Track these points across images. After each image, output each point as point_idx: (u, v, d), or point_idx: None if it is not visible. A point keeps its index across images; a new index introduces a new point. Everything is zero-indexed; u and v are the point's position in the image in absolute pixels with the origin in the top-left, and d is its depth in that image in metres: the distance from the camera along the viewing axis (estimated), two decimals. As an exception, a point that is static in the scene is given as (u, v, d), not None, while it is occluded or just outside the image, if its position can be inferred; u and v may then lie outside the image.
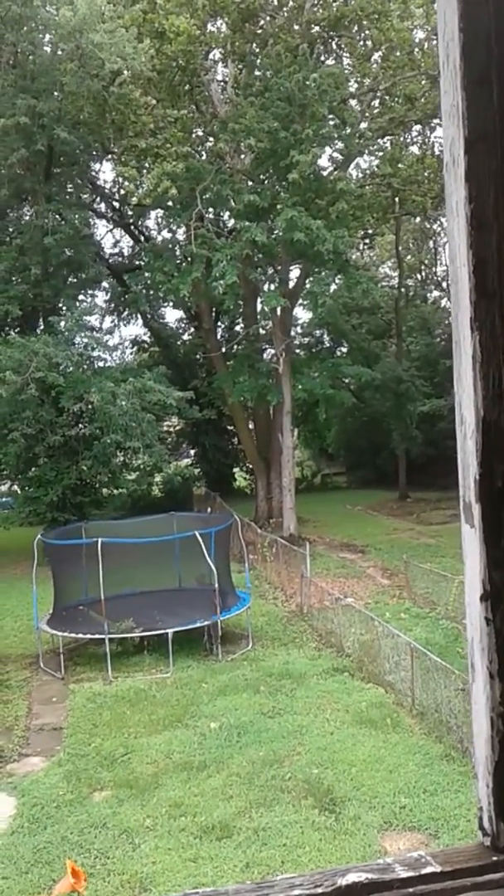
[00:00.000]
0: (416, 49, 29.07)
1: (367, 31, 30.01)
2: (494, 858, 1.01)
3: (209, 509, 30.77)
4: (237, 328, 37.95)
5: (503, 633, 0.98)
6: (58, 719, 14.45)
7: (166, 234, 36.02)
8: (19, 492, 29.98)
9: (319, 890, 0.95)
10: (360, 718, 13.45)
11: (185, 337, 42.99)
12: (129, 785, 11.66)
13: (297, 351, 35.94)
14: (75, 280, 31.98)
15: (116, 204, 38.63)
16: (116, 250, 40.78)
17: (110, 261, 38.50)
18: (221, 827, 10.30)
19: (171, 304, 37.78)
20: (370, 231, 38.21)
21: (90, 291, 34.23)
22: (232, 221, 30.06)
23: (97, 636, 16.92)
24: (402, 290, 42.75)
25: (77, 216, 30.24)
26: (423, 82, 29.15)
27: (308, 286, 30.73)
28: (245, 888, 0.95)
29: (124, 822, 10.62)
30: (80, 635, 17.53)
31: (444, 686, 13.06)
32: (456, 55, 0.91)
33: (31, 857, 9.88)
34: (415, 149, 34.99)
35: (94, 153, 33.02)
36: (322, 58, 29.89)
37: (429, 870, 0.99)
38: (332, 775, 11.51)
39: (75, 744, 13.26)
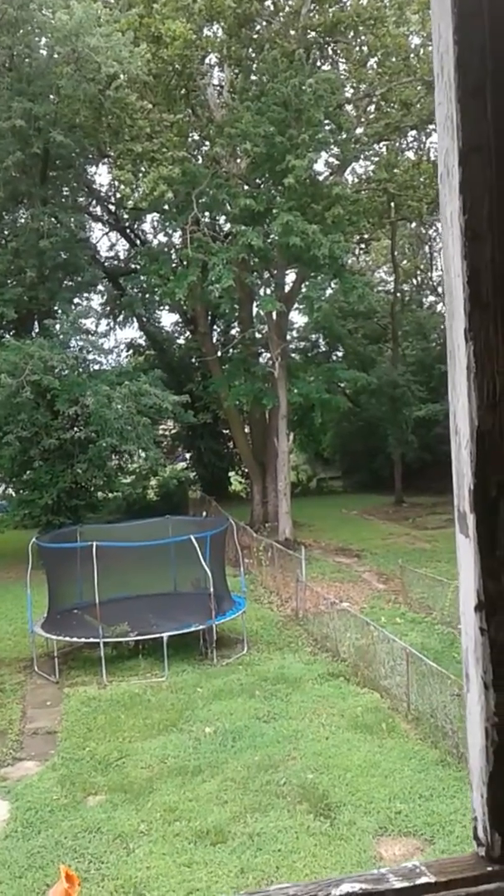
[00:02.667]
0: (412, 55, 29.13)
1: (362, 37, 30.09)
2: (489, 869, 1.01)
3: (204, 513, 30.75)
4: (233, 332, 37.97)
5: (498, 644, 0.98)
6: (52, 723, 14.41)
7: (162, 238, 36.09)
8: (14, 495, 29.93)
9: (313, 901, 0.95)
10: (355, 723, 13.45)
11: (181, 340, 42.98)
12: (124, 789, 11.63)
13: (293, 355, 35.97)
14: (71, 283, 31.97)
15: (112, 207, 38.64)
16: (112, 253, 40.83)
17: (106, 264, 38.49)
18: (216, 832, 10.28)
19: (166, 307, 37.83)
20: (366, 236, 38.27)
21: (86, 294, 34.20)
22: (228, 225, 30.07)
23: (92, 640, 16.89)
24: (398, 294, 42.84)
25: (73, 219, 30.25)
26: (419, 88, 29.23)
27: (304, 290, 30.77)
28: (238, 900, 0.94)
29: (118, 826, 10.59)
30: (75, 639, 17.50)
31: (439, 691, 13.07)
32: (450, 67, 0.91)
33: (25, 861, 9.85)
34: (410, 154, 35.11)
35: (90, 157, 33.05)
36: (318, 63, 29.91)
37: (423, 880, 0.99)
38: (328, 780, 11.50)
39: (70, 748, 13.23)
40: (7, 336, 29.13)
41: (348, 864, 9.51)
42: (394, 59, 29.02)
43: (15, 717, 14.83)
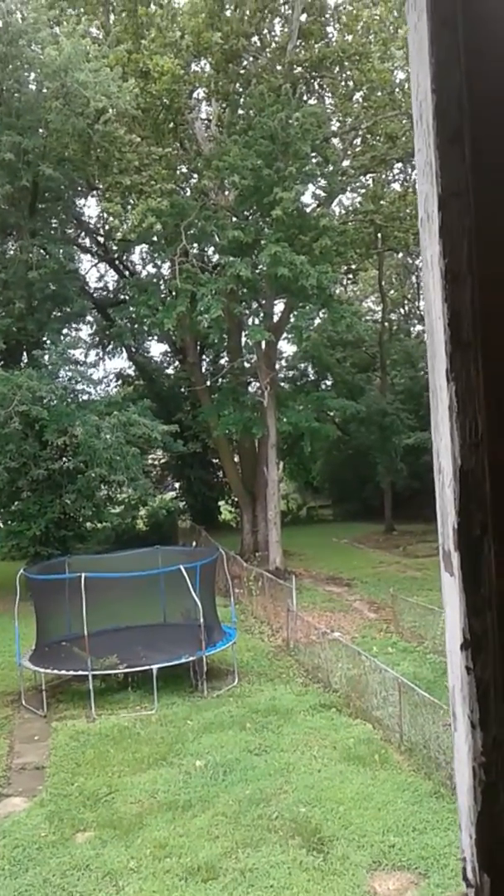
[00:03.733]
0: (397, 89, 29.66)
1: (348, 72, 30.64)
2: (479, 911, 1.00)
3: (194, 543, 30.65)
4: (222, 361, 38.17)
5: (484, 682, 0.98)
6: (40, 758, 14.20)
7: (151, 269, 36.36)
8: (2, 526, 29.75)
9: None
10: (347, 755, 13.31)
11: (170, 370, 43.13)
12: (113, 825, 11.44)
13: (282, 384, 36.12)
14: (60, 314, 32.06)
15: (101, 239, 38.93)
16: (101, 284, 41.09)
17: (95, 295, 38.70)
18: (207, 868, 10.11)
19: (155, 337, 38.00)
20: (353, 266, 38.67)
21: (75, 325, 34.31)
22: (216, 256, 30.34)
23: (80, 672, 16.71)
24: (386, 324, 43.19)
25: (62, 251, 30.42)
26: (404, 122, 29.71)
27: (292, 320, 31.01)
28: None
29: (108, 863, 10.41)
30: (63, 672, 17.31)
31: (432, 721, 12.96)
32: (429, 115, 0.93)
33: (12, 901, 9.66)
34: (397, 186, 35.63)
35: (79, 189, 33.34)
36: (304, 97, 30.41)
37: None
38: (320, 814, 11.36)
39: (58, 783, 13.03)
40: (-5, 367, 29.15)
41: (342, 900, 9.37)
42: (379, 94, 29.53)
43: (2, 752, 14.62)
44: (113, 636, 18.01)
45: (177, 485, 43.71)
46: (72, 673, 17.15)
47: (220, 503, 44.32)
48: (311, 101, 31.05)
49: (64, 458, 26.66)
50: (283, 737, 14.31)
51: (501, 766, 0.99)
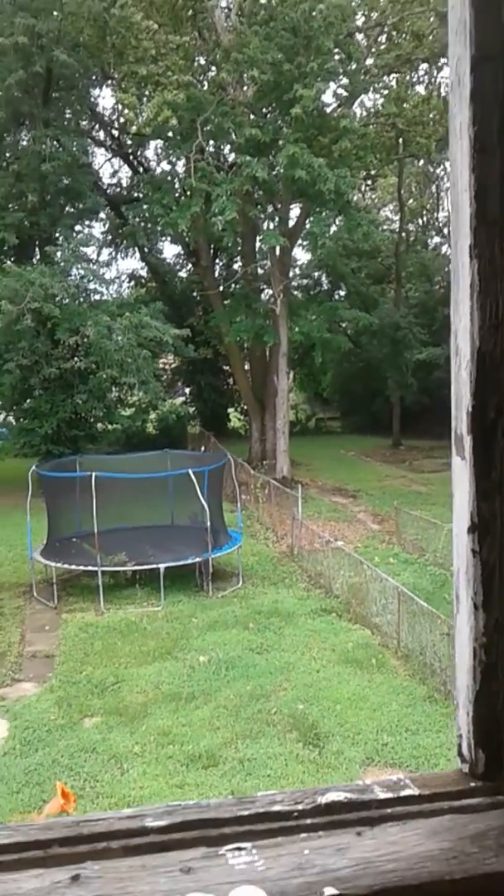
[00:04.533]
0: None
1: (377, -38, 29.00)
2: (472, 784, 1.04)
3: (203, 448, 30.83)
4: (235, 266, 37.44)
5: (489, 565, 0.99)
6: (50, 647, 14.71)
7: (165, 166, 35.25)
8: (14, 423, 29.93)
9: (300, 807, 0.98)
10: (345, 658, 13.73)
11: (183, 273, 42.38)
12: (119, 713, 11.93)
13: (295, 292, 35.58)
14: (72, 209, 31.34)
15: (115, 132, 37.67)
16: (115, 181, 39.89)
17: (108, 191, 37.68)
18: (208, 756, 10.59)
19: (169, 238, 37.23)
20: (373, 172, 37.41)
21: (87, 222, 33.59)
22: (232, 156, 29.40)
23: (90, 568, 17.11)
24: (403, 234, 42.11)
25: (75, 143, 29.52)
26: (432, 19, 28.24)
27: (308, 226, 30.23)
28: (227, 802, 0.97)
29: (113, 747, 10.90)
30: (73, 566, 17.72)
31: (429, 630, 13.30)
32: None
33: (22, 777, 10.16)
34: (421, 89, 34.06)
35: (94, 78, 32.10)
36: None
37: (407, 792, 1.02)
38: (317, 711, 11.80)
39: (67, 671, 13.53)
40: (8, 262, 28.69)
41: (334, 790, 9.82)
42: (407, -13, 27.98)
43: (14, 640, 15.13)
44: (122, 535, 18.33)
45: (187, 390, 43.65)
46: (81, 568, 17.56)
47: (230, 410, 44.34)
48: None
49: (76, 358, 26.55)
50: (283, 638, 14.74)
51: (502, 646, 1.01)
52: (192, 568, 17.69)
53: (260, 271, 32.25)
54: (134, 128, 28.41)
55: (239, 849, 0.91)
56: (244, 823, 0.94)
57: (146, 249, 38.68)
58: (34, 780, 10.10)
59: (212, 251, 36.05)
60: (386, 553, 20.36)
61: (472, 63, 0.89)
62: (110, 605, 16.48)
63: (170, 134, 28.65)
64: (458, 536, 1.01)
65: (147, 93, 26.98)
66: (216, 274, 36.75)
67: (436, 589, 17.18)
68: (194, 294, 38.70)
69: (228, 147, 30.43)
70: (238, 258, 36.21)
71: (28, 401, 27.56)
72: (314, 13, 24.66)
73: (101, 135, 37.97)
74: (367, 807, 1.00)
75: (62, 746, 10.95)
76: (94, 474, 17.11)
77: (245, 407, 37.32)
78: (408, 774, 1.15)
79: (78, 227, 31.65)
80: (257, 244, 31.56)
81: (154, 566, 16.92)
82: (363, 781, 1.05)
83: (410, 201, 45.81)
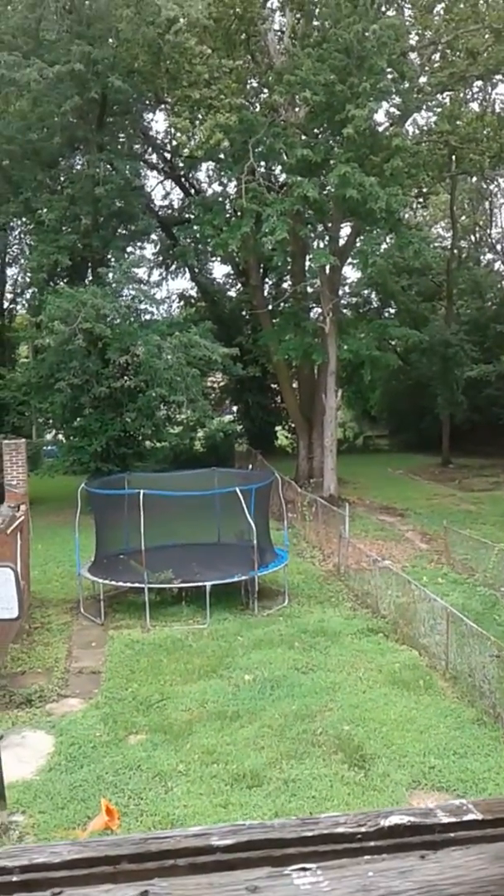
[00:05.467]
0: (481, 1, 28.03)
1: (430, -19, 29.04)
2: (536, 810, 1.03)
3: (250, 466, 30.89)
4: (284, 285, 37.62)
5: None
6: (96, 663, 14.81)
7: (217, 188, 35.74)
8: (64, 441, 30.37)
9: (363, 829, 0.98)
10: (392, 679, 13.56)
11: (232, 293, 42.76)
12: (164, 730, 11.94)
13: (345, 310, 35.55)
14: (125, 231, 31.89)
15: (168, 155, 38.31)
16: (166, 202, 40.60)
17: (160, 213, 38.28)
18: (252, 776, 10.52)
19: (219, 258, 37.60)
20: (424, 189, 37.28)
21: (139, 243, 34.16)
22: (283, 176, 29.60)
23: (137, 585, 17.22)
24: (455, 251, 41.87)
25: (128, 166, 30.03)
26: (487, 36, 28.14)
27: (358, 245, 30.24)
28: (291, 822, 0.98)
29: (158, 765, 10.90)
30: (121, 583, 17.86)
31: (478, 652, 13.08)
32: None
33: (67, 793, 10.22)
34: (475, 106, 33.95)
35: (147, 102, 32.70)
36: (383, 8, 28.91)
37: (470, 817, 1.02)
38: (363, 732, 11.66)
39: (112, 688, 13.61)
40: (61, 283, 29.27)
41: (380, 814, 9.69)
42: (461, 6, 27.96)
43: (61, 655, 15.28)
44: (169, 552, 18.43)
45: (235, 408, 43.85)
46: (129, 585, 17.68)
47: (277, 428, 44.41)
48: (390, 13, 29.55)
49: (125, 377, 26.87)
50: (329, 657, 14.62)
51: None
52: (238, 586, 17.70)
53: (309, 290, 32.33)
54: (186, 150, 28.81)
55: (304, 869, 0.91)
56: (308, 844, 0.95)
57: (196, 269, 39.18)
58: (79, 797, 10.15)
59: (261, 270, 36.27)
60: (434, 573, 20.12)
61: None
62: (156, 622, 16.56)
63: (221, 156, 28.97)
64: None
65: (200, 116, 27.35)
66: (265, 293, 36.98)
67: (486, 610, 16.93)
68: (243, 313, 38.99)
69: (279, 168, 30.66)
70: (287, 277, 36.39)
71: (78, 419, 27.97)
72: (367, 34, 24.77)
73: (154, 158, 38.70)
74: (431, 830, 1.00)
75: (107, 763, 11.00)
76: (141, 492, 17.25)
77: (293, 425, 37.35)
78: (470, 800, 1.14)
79: (130, 249, 32.18)
80: (307, 263, 31.64)
81: (200, 584, 16.96)
82: (426, 805, 1.05)
83: (463, 218, 45.61)
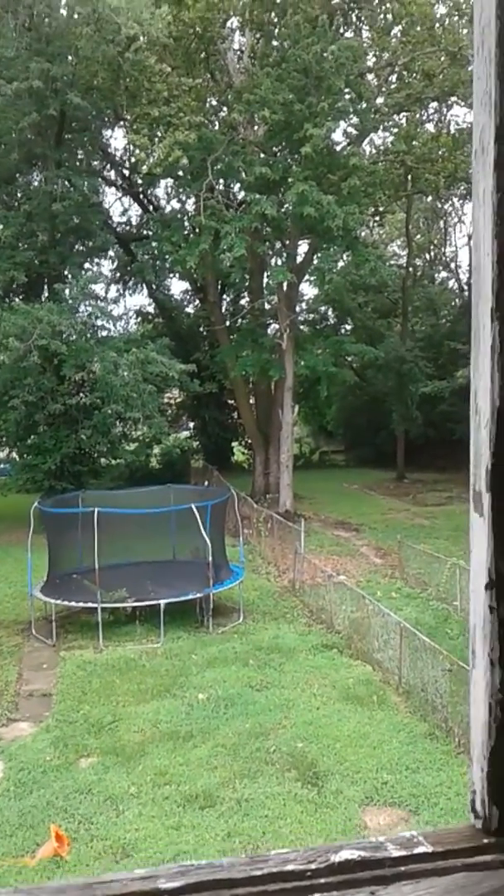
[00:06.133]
0: (437, 24, 28.66)
1: (387, 5, 29.61)
2: (485, 841, 1.03)
3: (206, 482, 30.85)
4: (242, 302, 37.81)
5: None
6: (47, 685, 14.57)
7: (175, 205, 35.81)
8: (18, 459, 29.97)
9: (313, 866, 0.97)
10: (346, 695, 13.58)
11: (190, 309, 42.79)
12: (116, 752, 11.78)
13: (302, 327, 35.79)
14: (82, 248, 31.75)
15: (126, 172, 38.30)
16: (124, 219, 40.53)
17: (118, 229, 38.21)
18: (205, 796, 10.43)
19: (177, 275, 37.59)
20: (381, 208, 37.84)
21: (96, 260, 34.04)
22: (242, 194, 29.80)
23: (90, 605, 17.00)
24: (410, 269, 42.51)
25: (86, 183, 29.97)
26: (443, 59, 28.77)
27: (316, 262, 30.53)
28: (239, 861, 0.96)
29: (109, 788, 10.74)
30: (73, 603, 17.60)
31: (431, 666, 13.17)
32: (491, 42, 0.90)
33: (16, 820, 10.00)
34: (430, 126, 34.63)
35: (106, 120, 32.70)
36: (341, 30, 29.43)
37: (421, 850, 1.01)
38: (317, 749, 11.65)
39: (64, 710, 13.38)
40: (16, 300, 28.98)
41: (334, 832, 9.67)
42: (418, 29, 28.56)
43: (11, 678, 14.99)
44: (123, 570, 18.26)
45: (191, 424, 43.78)
46: (81, 605, 17.44)
47: (234, 444, 44.40)
48: (348, 34, 30.06)
49: (81, 394, 26.65)
50: (284, 674, 14.60)
51: None
52: (193, 604, 17.58)
53: (267, 306, 32.53)
54: (145, 167, 28.81)
55: None
56: (257, 884, 0.93)
57: (154, 286, 39.11)
58: (28, 823, 9.93)
59: (219, 287, 36.40)
60: (388, 587, 20.24)
61: (496, 133, 0.91)
62: (109, 641, 16.35)
63: (180, 173, 29.08)
64: (474, 593, 1.01)
65: (159, 133, 27.42)
66: (223, 309, 37.07)
67: (438, 624, 17.08)
68: (201, 329, 39.03)
69: (238, 185, 30.86)
70: (245, 293, 36.57)
71: (32, 437, 27.65)
72: (326, 54, 25.14)
73: (112, 174, 38.64)
74: (381, 865, 0.99)
75: (57, 788, 10.80)
76: (96, 510, 17.09)
77: (249, 441, 37.40)
78: (421, 831, 1.12)
79: (87, 265, 32.07)
80: (265, 279, 31.87)
81: (154, 602, 16.82)
82: (376, 839, 1.04)
83: (418, 236, 46.38)
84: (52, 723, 12.93)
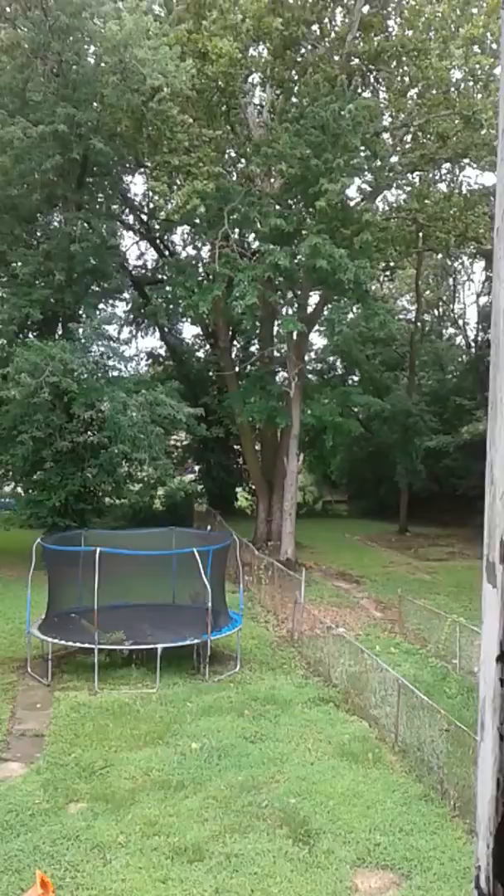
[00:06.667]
0: (453, 88, 29.29)
1: (405, 67, 30.27)
2: (488, 919, 1.01)
3: (209, 527, 30.71)
4: (252, 349, 38.13)
5: None
6: (40, 726, 14.36)
7: (191, 251, 36.35)
8: (22, 494, 29.95)
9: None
10: (341, 751, 13.35)
11: (200, 353, 43.17)
12: (106, 799, 11.56)
13: (310, 376, 36.03)
14: (97, 288, 32.14)
15: (144, 217, 38.96)
16: (140, 262, 41.18)
17: (133, 272, 38.78)
18: (194, 849, 10.20)
19: (189, 319, 37.97)
20: (392, 263, 38.34)
21: (111, 301, 34.43)
22: (256, 243, 30.24)
23: (87, 645, 16.84)
24: (419, 324, 42.92)
25: (105, 226, 30.41)
26: (457, 122, 29.36)
27: (326, 313, 30.82)
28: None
29: (97, 836, 10.52)
30: (70, 643, 17.46)
31: (428, 725, 12.96)
32: None
33: (1, 863, 9.80)
34: (443, 186, 35.23)
35: (128, 165, 33.32)
36: (359, 90, 30.07)
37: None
38: (309, 806, 11.41)
39: (55, 752, 13.17)
40: (31, 336, 29.27)
41: (323, 893, 9.43)
42: (434, 92, 29.17)
43: (4, 716, 14.79)
44: (122, 612, 18.13)
45: (196, 468, 43.80)
46: (78, 645, 17.29)
47: (238, 490, 44.38)
48: (366, 94, 30.74)
49: (89, 432, 26.74)
50: (279, 727, 14.37)
51: None
52: (190, 649, 17.40)
53: (276, 354, 32.77)
54: (163, 213, 29.25)
55: None
56: None
57: (166, 329, 39.56)
58: (13, 867, 9.72)
59: (230, 333, 36.72)
60: (387, 642, 20.02)
61: None
62: (105, 684, 16.16)
63: (197, 220, 29.53)
64: (485, 664, 1.01)
65: (178, 181, 27.93)
66: (233, 355, 37.36)
67: (436, 682, 16.85)
68: (210, 374, 39.29)
69: (253, 235, 31.32)
70: (255, 340, 36.87)
71: (38, 473, 27.66)
72: (343, 113, 25.69)
73: (131, 219, 39.30)
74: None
75: (45, 832, 10.58)
76: (98, 549, 17.01)
77: (253, 487, 37.35)
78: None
79: (102, 306, 32.42)
80: (275, 328, 32.14)
81: (152, 646, 16.66)
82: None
83: (427, 292, 46.90)
84: (43, 764, 12.72)
